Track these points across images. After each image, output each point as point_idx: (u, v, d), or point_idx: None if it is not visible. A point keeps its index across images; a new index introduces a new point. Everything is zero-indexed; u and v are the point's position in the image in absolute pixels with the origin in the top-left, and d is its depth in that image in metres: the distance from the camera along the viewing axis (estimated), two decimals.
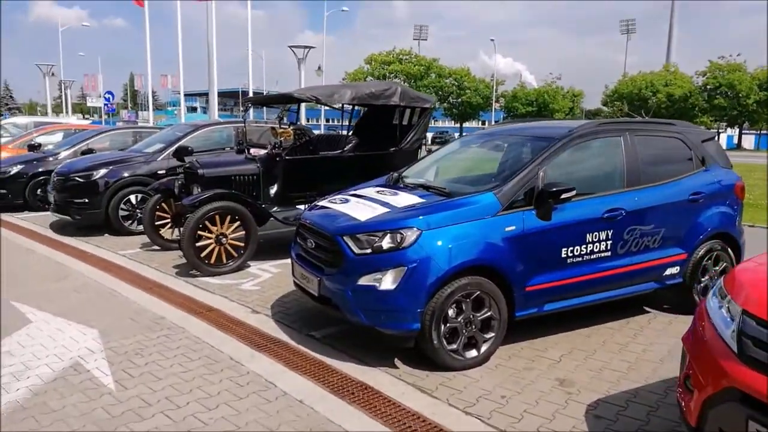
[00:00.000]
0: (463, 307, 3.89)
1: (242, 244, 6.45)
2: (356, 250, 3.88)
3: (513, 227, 4.02)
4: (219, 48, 29.60)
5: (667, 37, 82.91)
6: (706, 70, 50.17)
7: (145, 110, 77.03)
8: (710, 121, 50.57)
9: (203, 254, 6.21)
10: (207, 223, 6.20)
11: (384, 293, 3.76)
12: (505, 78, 63.56)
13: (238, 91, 73.70)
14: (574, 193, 4.10)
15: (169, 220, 7.53)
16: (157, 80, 62.84)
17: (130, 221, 8.46)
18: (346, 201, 4.48)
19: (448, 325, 3.85)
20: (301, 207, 7.15)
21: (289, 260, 7.04)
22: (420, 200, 4.18)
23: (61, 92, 64.69)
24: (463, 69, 58.73)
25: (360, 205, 4.28)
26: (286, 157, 6.84)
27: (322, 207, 4.57)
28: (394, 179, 5.12)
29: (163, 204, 7.40)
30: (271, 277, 6.29)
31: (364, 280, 3.82)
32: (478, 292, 3.90)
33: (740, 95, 47.01)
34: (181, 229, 7.42)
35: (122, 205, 8.36)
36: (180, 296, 5.55)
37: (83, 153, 10.30)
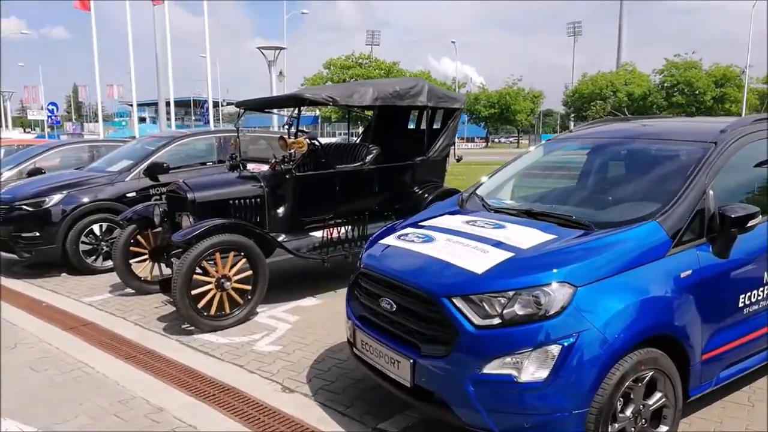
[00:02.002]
0: (632, 396, 2.64)
1: (249, 287, 5.04)
2: (476, 320, 2.57)
3: (689, 271, 2.80)
4: (164, 57, 27.81)
5: (617, 37, 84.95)
6: (663, 69, 50.84)
7: (90, 122, 73.21)
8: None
9: (201, 304, 4.77)
10: (205, 263, 4.76)
11: (528, 387, 2.46)
12: (456, 81, 63.00)
13: (189, 99, 70.93)
14: (760, 218, 2.91)
15: (144, 256, 6.00)
16: (103, 91, 59.71)
17: (93, 257, 6.87)
18: (429, 238, 3.16)
19: (617, 425, 2.59)
20: (317, 234, 5.77)
21: (306, 301, 5.64)
22: (548, 236, 2.89)
23: None
24: (424, 72, 57.89)
25: (458, 246, 2.97)
26: (297, 174, 5.45)
27: (395, 247, 3.22)
28: (465, 200, 3.84)
29: (137, 236, 5.88)
30: (290, 329, 4.89)
31: (493, 367, 2.51)
32: (652, 372, 2.66)
33: (697, 92, 47.74)
34: (162, 266, 5.97)
35: (83, 238, 6.76)
36: (178, 368, 4.10)
37: (30, 174, 8.61)
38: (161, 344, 4.58)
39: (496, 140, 73.40)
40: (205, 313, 4.81)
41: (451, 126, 6.64)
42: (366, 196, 6.04)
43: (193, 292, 4.71)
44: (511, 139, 75.29)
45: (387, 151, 6.41)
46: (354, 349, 3.26)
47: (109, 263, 6.83)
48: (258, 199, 5.49)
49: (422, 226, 3.39)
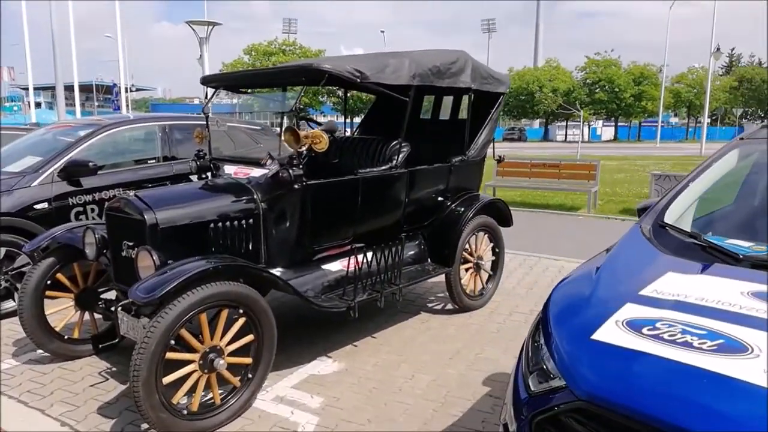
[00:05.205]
0: None
1: (248, 360, 3.26)
2: None
3: None
4: (65, 37, 24.56)
5: (534, 36, 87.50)
6: (585, 66, 52.01)
7: None
8: (588, 114, 52.56)
9: (177, 397, 2.95)
10: (184, 332, 2.94)
11: None
12: None
13: (91, 84, 64.97)
14: None
15: (67, 300, 4.03)
16: None
17: None
18: (734, 344, 1.58)
19: None
20: (330, 266, 4.04)
21: (320, 366, 3.80)
22: None
23: None
24: None
25: None
26: (308, 182, 3.69)
27: (660, 359, 1.60)
28: (652, 234, 2.32)
29: (58, 275, 3.89)
30: (319, 425, 3.16)
31: None
32: None
33: (617, 89, 49.12)
34: (94, 315, 4.06)
35: None
36: None
37: None
38: None
39: None
40: (185, 411, 2.99)
41: (493, 117, 5.08)
42: (393, 211, 4.38)
43: (166, 379, 2.88)
44: None
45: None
46: None
47: (11, 304, 4.78)
48: (251, 220, 3.69)
49: (666, 304, 1.80)
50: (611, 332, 1.72)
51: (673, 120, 73.02)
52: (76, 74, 24.71)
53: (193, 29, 15.06)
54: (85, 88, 66.46)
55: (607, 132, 64.14)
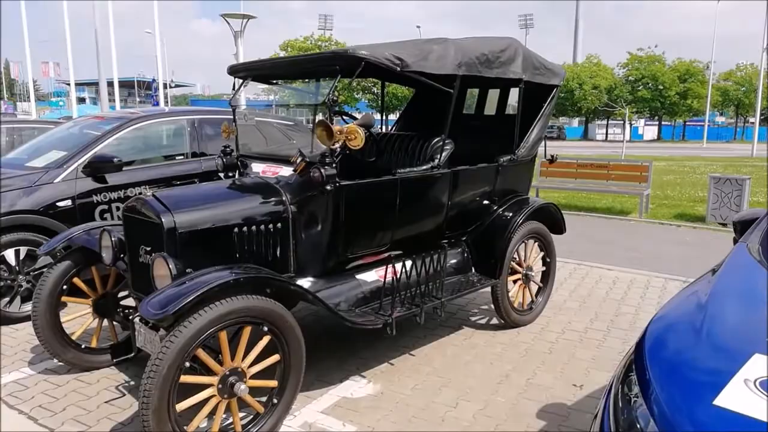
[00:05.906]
0: None
1: (274, 383, 2.91)
2: None
3: None
4: (105, 33, 24.85)
5: (573, 32, 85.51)
6: (627, 62, 50.33)
7: (25, 101, 67.40)
8: (632, 113, 50.94)
9: (192, 425, 2.62)
10: (201, 352, 2.61)
11: None
12: None
13: (133, 80, 66.21)
14: None
15: (84, 309, 3.77)
16: (37, 68, 54.57)
17: (6, 299, 4.54)
18: None
19: None
20: (365, 276, 3.66)
21: (353, 387, 3.40)
22: None
23: None
24: None
25: None
26: (342, 183, 3.31)
27: None
28: (760, 254, 1.87)
29: (75, 279, 3.62)
30: None
31: None
32: None
33: (662, 87, 47.38)
34: (113, 322, 3.79)
35: None
36: None
37: None
38: None
39: None
40: None
41: (545, 112, 4.64)
42: (435, 215, 3.98)
43: (180, 405, 2.55)
44: None
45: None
46: None
47: (30, 310, 4.55)
48: (279, 224, 3.35)
49: None
50: (741, 397, 1.29)
51: (719, 119, 70.28)
52: (115, 70, 25.02)
53: (227, 22, 14.92)
54: (128, 84, 67.71)
55: (649, 131, 62.13)
